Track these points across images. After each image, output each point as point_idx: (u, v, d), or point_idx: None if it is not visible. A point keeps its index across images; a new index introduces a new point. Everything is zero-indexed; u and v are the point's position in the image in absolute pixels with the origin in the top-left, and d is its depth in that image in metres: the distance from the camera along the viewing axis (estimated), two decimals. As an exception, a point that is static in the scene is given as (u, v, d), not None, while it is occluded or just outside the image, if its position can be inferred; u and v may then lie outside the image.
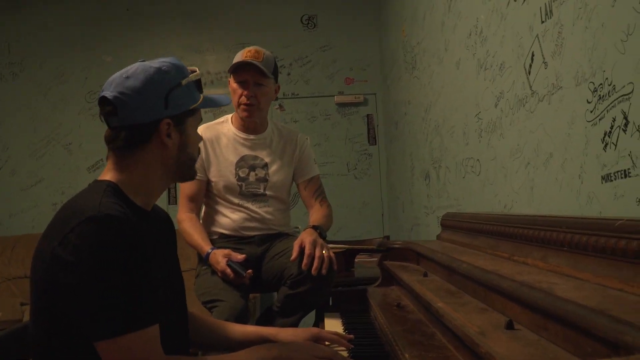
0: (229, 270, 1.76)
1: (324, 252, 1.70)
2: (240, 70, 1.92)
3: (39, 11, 4.48)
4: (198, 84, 1.18)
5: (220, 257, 1.79)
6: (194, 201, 1.99)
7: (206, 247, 1.87)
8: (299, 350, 1.12)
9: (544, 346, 0.73)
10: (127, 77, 1.09)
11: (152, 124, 1.09)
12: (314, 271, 1.66)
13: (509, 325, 0.83)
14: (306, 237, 1.73)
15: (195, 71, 1.18)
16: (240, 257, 1.80)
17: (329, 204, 2.10)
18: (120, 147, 1.10)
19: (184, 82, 1.12)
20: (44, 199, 4.39)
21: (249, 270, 1.77)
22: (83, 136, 4.40)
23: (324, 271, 1.67)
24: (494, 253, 1.24)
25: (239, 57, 1.93)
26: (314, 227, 1.84)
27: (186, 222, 1.94)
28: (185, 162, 1.18)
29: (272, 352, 1.10)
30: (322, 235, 1.84)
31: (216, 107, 1.29)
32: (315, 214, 2.02)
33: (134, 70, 1.10)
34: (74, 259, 0.93)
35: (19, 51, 4.46)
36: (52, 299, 0.96)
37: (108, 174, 1.11)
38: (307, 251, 1.68)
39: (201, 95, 1.18)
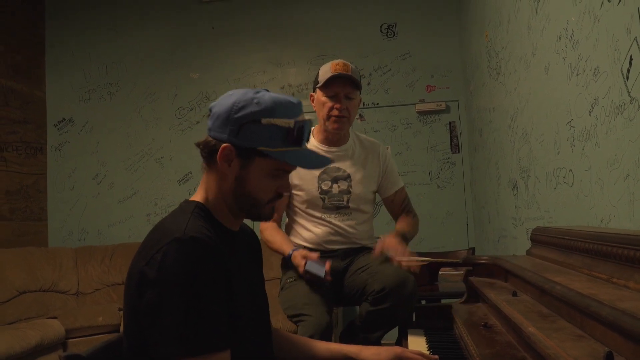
0: (307, 276, 1.76)
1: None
2: (332, 84, 1.93)
3: (131, 34, 4.78)
4: (285, 134, 1.09)
5: (299, 259, 1.80)
6: (276, 211, 2.02)
7: (287, 249, 1.90)
8: None
9: (650, 384, 0.67)
10: (230, 95, 1.13)
11: (218, 143, 1.10)
12: (405, 264, 1.70)
13: (609, 357, 0.76)
14: (389, 239, 1.75)
15: (297, 122, 1.09)
16: (314, 255, 1.80)
17: (415, 213, 2.09)
18: (203, 157, 1.15)
19: (264, 121, 1.07)
20: (138, 210, 4.65)
21: (327, 265, 1.75)
22: (173, 150, 4.63)
23: (414, 267, 1.71)
24: (591, 273, 1.16)
25: (327, 71, 1.94)
26: (397, 233, 1.84)
27: (268, 230, 1.98)
28: (241, 198, 1.13)
29: None
30: (405, 240, 1.84)
31: (298, 165, 1.15)
32: (400, 222, 2.01)
33: (241, 91, 1.13)
34: (157, 277, 0.97)
35: (115, 72, 4.77)
36: (137, 316, 1.01)
37: (198, 193, 1.16)
38: (391, 245, 1.73)
39: (289, 148, 1.09)
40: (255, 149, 1.09)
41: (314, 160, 1.20)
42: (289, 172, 1.17)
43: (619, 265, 1.06)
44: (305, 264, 1.77)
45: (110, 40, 4.80)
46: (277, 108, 1.09)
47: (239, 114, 1.08)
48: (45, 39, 4.84)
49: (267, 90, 1.14)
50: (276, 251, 1.94)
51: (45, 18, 4.85)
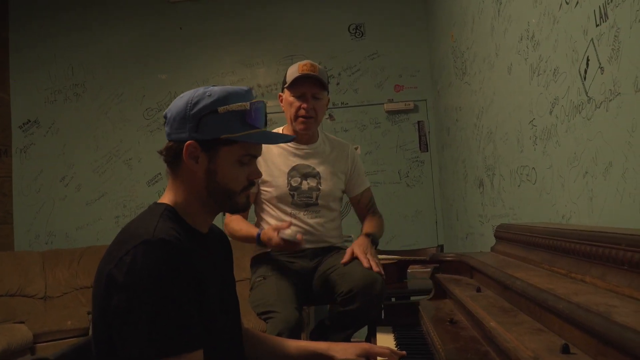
0: (283, 244, 1.75)
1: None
2: (299, 84, 1.95)
3: (98, 34, 4.70)
4: (243, 116, 1.12)
5: (270, 232, 1.78)
6: None
7: (254, 231, 1.89)
8: None
9: (601, 374, 0.70)
10: (181, 97, 1.14)
11: (180, 144, 1.11)
12: (375, 268, 1.73)
13: (565, 350, 0.79)
14: (357, 247, 1.77)
15: (252, 104, 1.12)
16: (284, 225, 1.80)
17: (380, 214, 2.13)
18: (166, 163, 1.16)
19: (220, 109, 1.09)
20: (107, 212, 4.58)
21: (299, 235, 1.76)
22: (142, 152, 4.58)
23: (378, 268, 1.73)
24: (550, 269, 1.20)
25: (294, 71, 1.96)
26: (367, 235, 1.87)
27: (233, 221, 1.97)
28: (215, 191, 1.14)
29: None
30: (374, 242, 1.87)
31: (263, 143, 1.21)
32: (367, 224, 2.04)
33: (190, 91, 1.14)
34: (126, 280, 0.96)
35: (81, 73, 4.69)
36: (106, 319, 1.00)
37: (166, 196, 1.16)
38: (360, 255, 1.76)
39: (250, 130, 1.12)
40: (218, 139, 1.11)
41: (277, 137, 1.26)
42: (256, 157, 1.19)
43: (576, 260, 1.09)
44: (278, 233, 1.77)
45: (75, 40, 4.71)
46: (229, 96, 1.11)
47: (195, 109, 1.10)
48: (9, 39, 4.72)
49: (215, 85, 1.16)
50: (244, 237, 1.92)
51: (9, 19, 4.73)
